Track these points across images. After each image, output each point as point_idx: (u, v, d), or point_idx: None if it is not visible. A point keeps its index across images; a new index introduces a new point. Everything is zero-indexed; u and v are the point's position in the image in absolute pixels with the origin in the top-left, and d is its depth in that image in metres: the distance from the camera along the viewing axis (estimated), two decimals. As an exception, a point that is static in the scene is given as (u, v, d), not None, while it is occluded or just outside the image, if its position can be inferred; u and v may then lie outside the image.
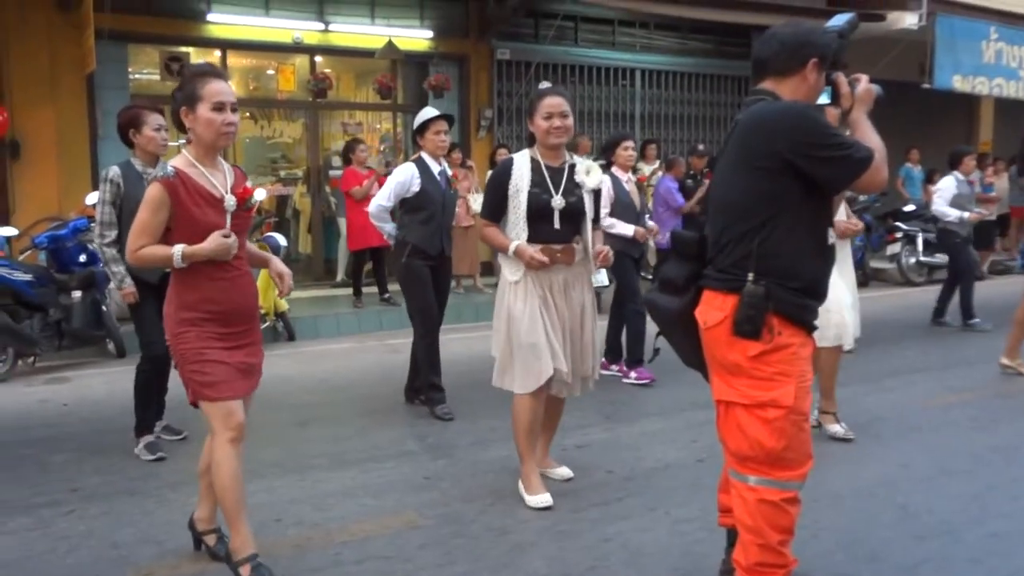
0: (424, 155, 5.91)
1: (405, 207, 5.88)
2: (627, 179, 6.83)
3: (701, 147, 11.23)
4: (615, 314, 7.02)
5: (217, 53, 10.76)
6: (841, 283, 4.96)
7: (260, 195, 10.09)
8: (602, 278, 9.26)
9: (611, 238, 6.60)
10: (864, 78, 2.91)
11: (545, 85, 4.45)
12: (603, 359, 6.86)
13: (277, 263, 3.51)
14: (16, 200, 9.39)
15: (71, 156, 9.61)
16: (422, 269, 5.82)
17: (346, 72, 12.39)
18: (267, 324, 8.40)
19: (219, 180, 3.25)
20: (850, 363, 5.39)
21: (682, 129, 13.80)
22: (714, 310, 2.83)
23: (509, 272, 4.22)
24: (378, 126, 12.74)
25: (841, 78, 2.89)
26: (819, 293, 2.84)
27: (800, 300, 2.77)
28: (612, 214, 6.63)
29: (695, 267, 2.98)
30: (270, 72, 12.03)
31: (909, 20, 12.42)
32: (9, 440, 5.42)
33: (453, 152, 10.15)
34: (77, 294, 7.36)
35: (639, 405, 6.19)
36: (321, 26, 10.99)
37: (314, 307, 9.70)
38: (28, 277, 7.15)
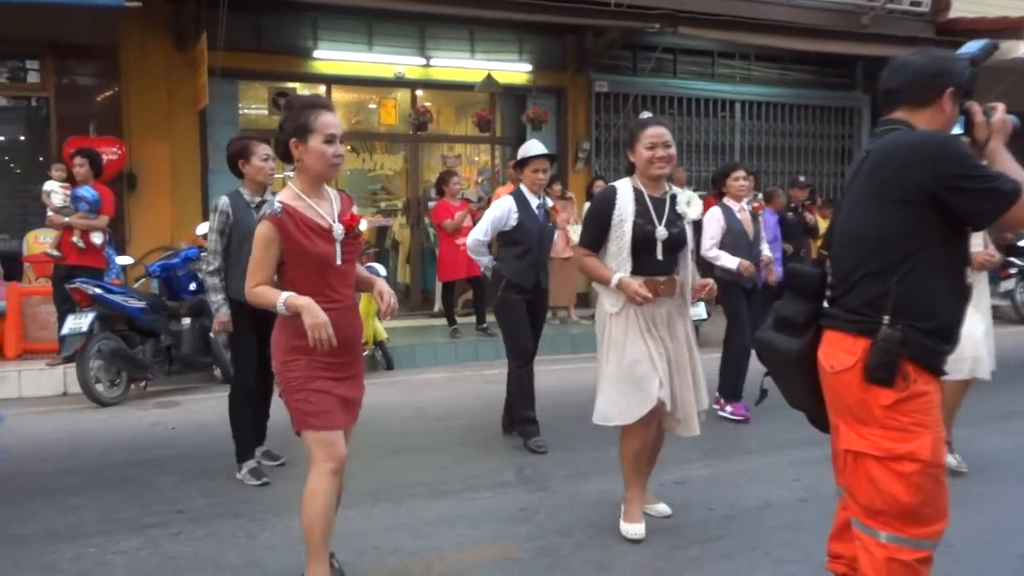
0: (523, 188, 5.94)
1: (502, 240, 5.91)
2: (739, 209, 6.69)
3: (802, 178, 11.01)
4: (728, 348, 6.81)
5: (322, 88, 11.08)
6: (976, 314, 4.77)
7: (361, 226, 10.35)
8: (700, 311, 9.17)
9: (721, 269, 6.52)
10: (1000, 107, 2.74)
11: (646, 115, 4.42)
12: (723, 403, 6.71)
13: (380, 283, 3.50)
14: (132, 230, 9.80)
15: (183, 188, 10.01)
16: (517, 302, 5.82)
17: (446, 105, 12.60)
18: (366, 353, 8.54)
19: (326, 209, 3.30)
20: (965, 403, 5.17)
21: (783, 161, 13.57)
22: (843, 353, 2.66)
23: (609, 303, 4.15)
24: (476, 158, 12.89)
25: (976, 107, 2.74)
26: (954, 337, 2.66)
27: (936, 345, 2.60)
28: (724, 245, 6.54)
29: (815, 305, 2.83)
30: (372, 106, 12.32)
31: (1022, 49, 11.99)
32: (122, 461, 5.61)
33: (554, 184, 10.22)
34: (187, 321, 7.62)
35: (738, 442, 6.05)
36: (423, 61, 11.22)
37: (412, 336, 9.82)
38: (142, 304, 7.44)
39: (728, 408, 6.66)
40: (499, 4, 10.03)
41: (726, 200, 6.68)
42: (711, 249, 6.55)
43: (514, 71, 11.67)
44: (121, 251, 9.13)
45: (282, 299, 3.18)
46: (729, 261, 6.45)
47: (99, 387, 7.17)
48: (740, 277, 6.50)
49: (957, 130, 2.76)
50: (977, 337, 4.89)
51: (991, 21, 12.47)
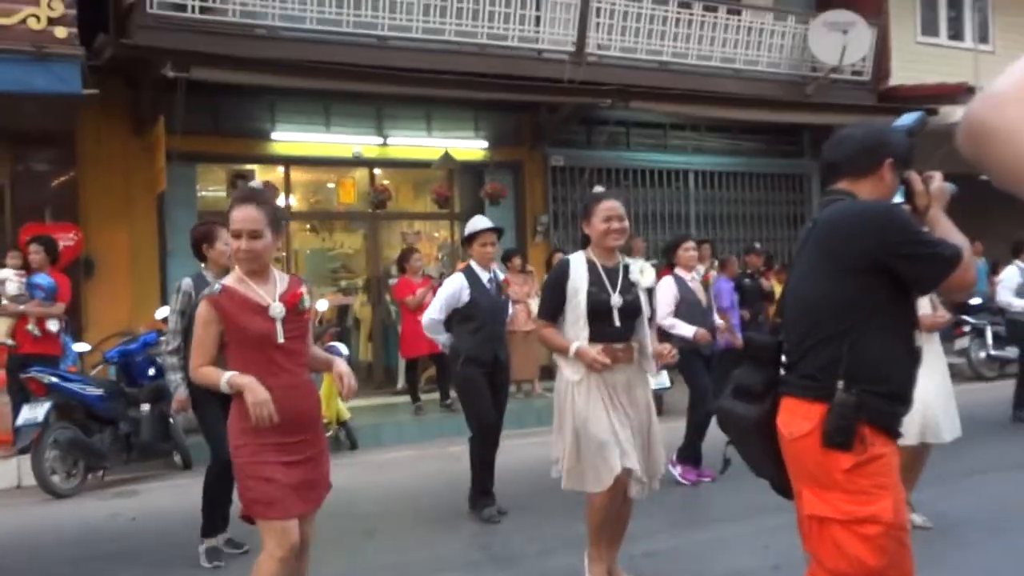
0: (473, 264, 6.01)
1: (457, 317, 5.97)
2: (691, 278, 6.87)
3: (757, 245, 11.22)
4: (692, 417, 6.89)
5: (280, 169, 11.15)
6: (924, 379, 4.84)
7: (322, 306, 10.32)
8: (663, 380, 9.21)
9: (678, 339, 6.61)
10: (938, 175, 2.86)
11: (599, 189, 4.54)
12: (675, 463, 6.77)
13: (339, 364, 3.51)
14: (89, 316, 9.69)
15: (142, 272, 9.94)
16: (477, 377, 5.85)
17: (404, 183, 12.72)
18: (330, 433, 8.43)
19: (267, 290, 3.35)
20: (930, 462, 5.23)
21: (737, 228, 13.82)
22: (800, 420, 2.70)
23: (570, 372, 4.22)
24: (436, 234, 12.98)
25: (915, 176, 2.84)
26: (907, 399, 2.73)
27: (891, 408, 2.66)
28: (679, 314, 6.67)
29: (772, 373, 2.88)
30: (331, 185, 12.41)
31: (960, 114, 12.41)
32: (79, 556, 5.46)
33: (513, 258, 10.31)
34: (146, 407, 7.51)
35: (706, 510, 6.05)
36: (380, 140, 11.36)
37: (376, 415, 9.74)
38: (99, 391, 7.33)
39: (677, 468, 6.73)
40: (454, 83, 10.23)
41: (677, 270, 6.86)
42: (666, 318, 6.65)
43: (471, 148, 11.84)
44: (78, 338, 9.01)
45: (225, 378, 3.22)
46: (685, 330, 6.58)
47: (55, 478, 7.01)
48: (697, 345, 6.61)
49: (899, 199, 2.86)
50: (928, 401, 4.96)
51: (929, 88, 12.94)
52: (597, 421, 4.10)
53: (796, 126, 13.49)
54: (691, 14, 11.88)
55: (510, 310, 6.20)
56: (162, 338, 5.24)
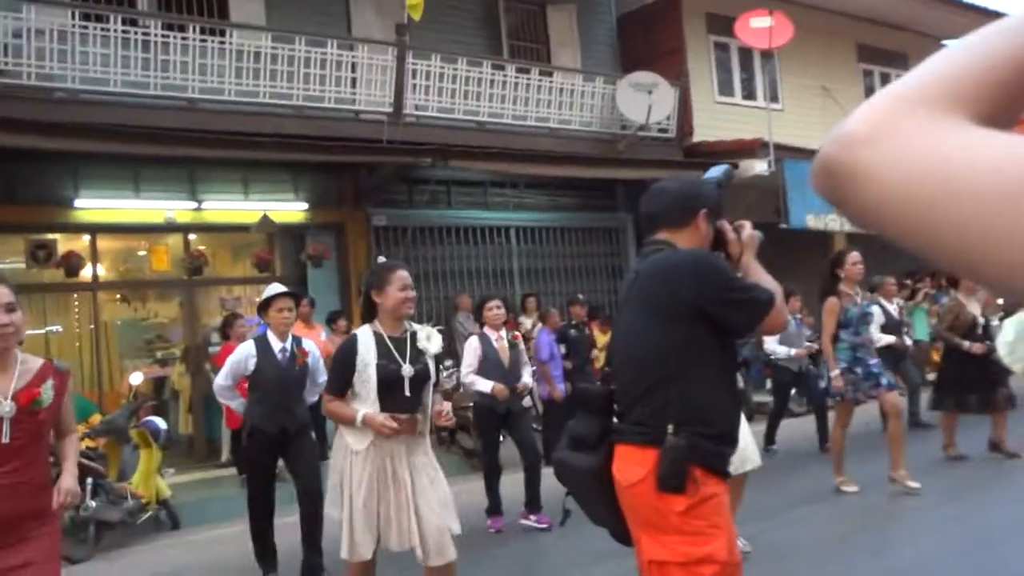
0: (268, 332, 5.89)
1: (249, 385, 5.90)
2: (496, 337, 7.11)
3: (581, 296, 11.50)
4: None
5: (86, 238, 10.56)
6: None
7: (136, 379, 9.79)
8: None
9: (477, 394, 7.04)
10: (747, 224, 3.03)
11: (382, 259, 4.66)
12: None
13: (64, 477, 3.31)
14: None
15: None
16: (262, 447, 5.80)
17: (222, 247, 12.31)
18: (149, 514, 7.94)
19: (1, 382, 3.14)
20: (757, 496, 5.46)
21: (560, 281, 14.13)
22: (634, 466, 2.76)
23: (354, 441, 4.28)
24: (257, 299, 12.54)
25: (726, 225, 3.00)
26: (733, 439, 2.84)
27: (719, 448, 2.76)
28: (481, 371, 6.94)
29: (605, 421, 2.94)
30: (142, 253, 11.84)
31: (759, 167, 13.29)
32: None
33: (338, 320, 10.13)
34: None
35: (546, 558, 6.06)
36: (194, 204, 10.96)
37: (200, 490, 9.26)
38: None
39: (488, 522, 6.98)
40: (271, 145, 10.01)
41: (485, 329, 7.11)
42: (468, 375, 7.04)
43: (290, 210, 11.60)
44: None
45: None
46: (483, 385, 6.89)
47: None
48: (494, 401, 6.88)
49: None
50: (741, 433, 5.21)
51: (729, 143, 13.80)
52: (368, 493, 4.21)
53: (610, 181, 14.01)
54: (505, 76, 12.21)
55: (320, 377, 5.97)
56: None
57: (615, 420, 2.95)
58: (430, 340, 4.45)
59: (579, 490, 3.07)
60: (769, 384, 11.88)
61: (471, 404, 9.59)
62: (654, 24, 14.84)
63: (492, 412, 6.96)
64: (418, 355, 4.38)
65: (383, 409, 4.23)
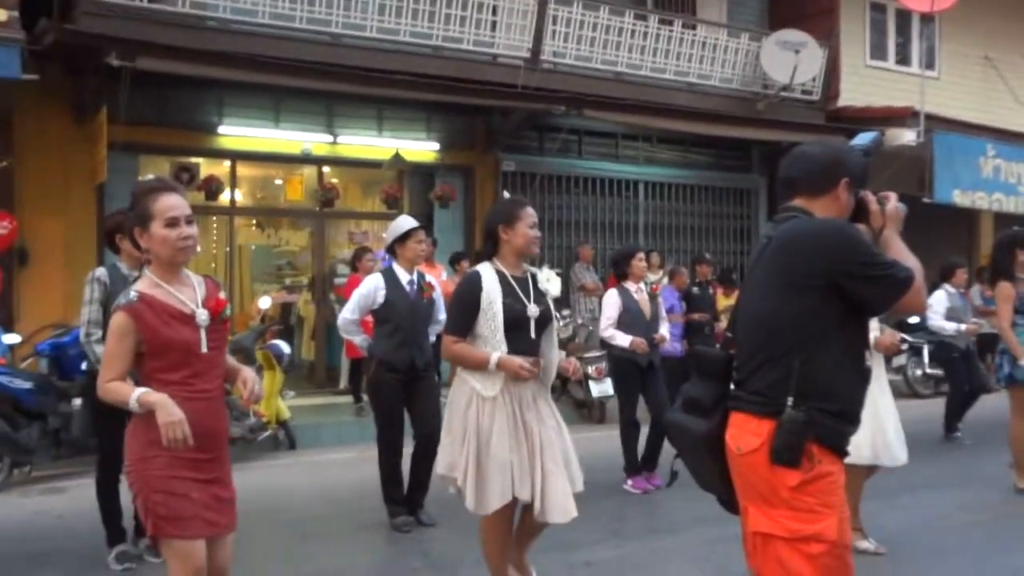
0: (395, 264, 5.85)
1: (375, 319, 5.83)
2: (637, 289, 6.94)
3: (707, 255, 11.27)
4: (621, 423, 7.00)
5: (227, 163, 10.94)
6: (875, 399, 4.84)
7: (265, 303, 10.16)
8: (607, 388, 9.24)
9: (616, 347, 6.82)
10: (893, 196, 2.86)
11: (506, 195, 4.46)
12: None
13: (244, 371, 3.26)
14: (21, 307, 9.39)
15: (78, 264, 9.62)
16: (389, 383, 5.68)
17: (353, 182, 12.57)
18: (268, 432, 8.28)
19: (187, 295, 3.09)
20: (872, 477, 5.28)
21: (685, 239, 13.91)
22: (749, 435, 2.68)
23: (483, 387, 4.02)
24: (384, 235, 12.81)
25: (870, 197, 2.84)
26: (856, 418, 2.72)
27: (840, 426, 2.65)
28: (621, 324, 6.76)
29: (722, 387, 2.84)
30: (278, 182, 12.21)
31: (908, 136, 12.67)
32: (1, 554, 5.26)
33: (462, 261, 10.23)
34: (77, 402, 7.24)
35: (649, 520, 6.03)
36: (330, 138, 11.20)
37: (317, 415, 9.60)
38: (28, 385, 7.07)
39: (628, 482, 6.80)
40: (407, 84, 10.12)
41: (627, 282, 6.91)
42: (607, 329, 6.82)
43: (422, 149, 11.74)
44: (9, 328, 8.71)
45: (135, 396, 2.92)
46: (622, 339, 6.68)
47: (-21, 472, 6.76)
48: (635, 355, 6.71)
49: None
50: (880, 422, 5.01)
51: (877, 110, 13.19)
52: (500, 442, 3.96)
53: (746, 141, 13.62)
54: (647, 27, 11.93)
55: (440, 315, 5.95)
56: (84, 327, 4.99)
57: (732, 386, 2.87)
58: (550, 281, 4.37)
59: (690, 453, 3.00)
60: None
61: (588, 356, 9.63)
62: (808, -20, 14.21)
63: (633, 366, 6.76)
64: (541, 296, 4.21)
65: (510, 351, 4.00)
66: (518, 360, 3.94)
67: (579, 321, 10.92)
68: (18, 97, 8.81)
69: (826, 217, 2.78)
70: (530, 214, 4.18)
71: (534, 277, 4.28)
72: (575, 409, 10.24)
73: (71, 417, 7.21)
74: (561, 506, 3.99)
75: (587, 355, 9.72)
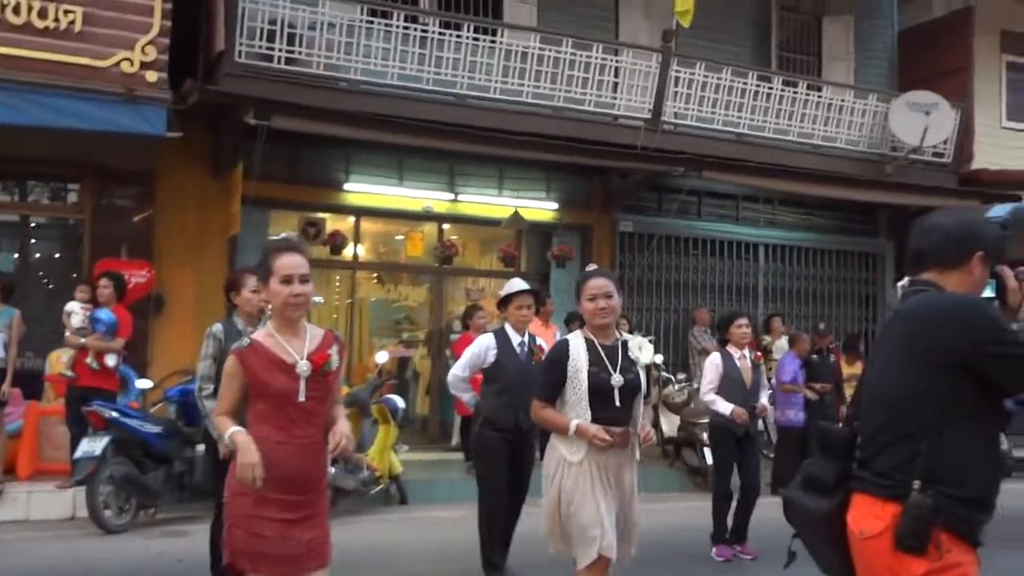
0: (507, 326, 5.92)
1: (484, 377, 5.92)
2: (740, 356, 6.88)
3: (822, 326, 10.87)
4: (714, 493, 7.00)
5: (351, 219, 11.29)
6: None
7: (382, 358, 10.31)
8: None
9: (715, 414, 6.79)
10: None
11: (592, 267, 4.56)
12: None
13: (339, 425, 3.43)
14: (155, 353, 9.83)
15: (209, 312, 10.00)
16: (493, 441, 5.74)
17: (472, 239, 12.76)
18: (381, 487, 8.37)
19: (295, 347, 3.34)
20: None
21: (806, 304, 13.53)
22: (872, 518, 2.56)
23: (568, 452, 4.14)
24: (500, 293, 12.92)
25: (1008, 272, 2.71)
26: (990, 506, 2.55)
27: (971, 514, 2.49)
28: (720, 391, 6.71)
29: (844, 466, 2.73)
30: (399, 237, 12.50)
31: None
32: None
33: (575, 322, 10.18)
34: (201, 447, 7.50)
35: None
36: (451, 196, 11.44)
37: (429, 471, 9.66)
38: (157, 429, 7.38)
39: (714, 550, 6.73)
40: (528, 145, 10.27)
41: (729, 347, 6.85)
42: (708, 394, 6.77)
43: (540, 208, 11.85)
44: (143, 373, 9.12)
45: (228, 433, 3.24)
46: (723, 407, 6.62)
47: (107, 513, 7.03)
48: (732, 423, 6.62)
49: (989, 293, 2.72)
50: None
51: (1014, 174, 12.61)
52: (583, 503, 4.05)
53: (873, 205, 13.24)
54: (770, 88, 11.80)
55: None
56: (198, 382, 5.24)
57: (855, 466, 2.75)
58: (641, 350, 4.31)
59: (808, 533, 2.89)
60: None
61: (703, 421, 9.42)
62: (939, 40, 13.80)
63: (730, 433, 6.72)
64: (629, 365, 4.24)
65: (594, 419, 4.10)
66: (594, 428, 4.04)
67: (694, 386, 10.71)
68: (161, 153, 9.33)
69: (957, 292, 2.66)
70: (591, 287, 4.22)
71: (624, 345, 4.30)
72: (689, 476, 10.00)
73: (195, 462, 7.47)
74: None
75: (703, 420, 9.50)
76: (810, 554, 2.90)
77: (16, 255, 10.16)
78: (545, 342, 6.44)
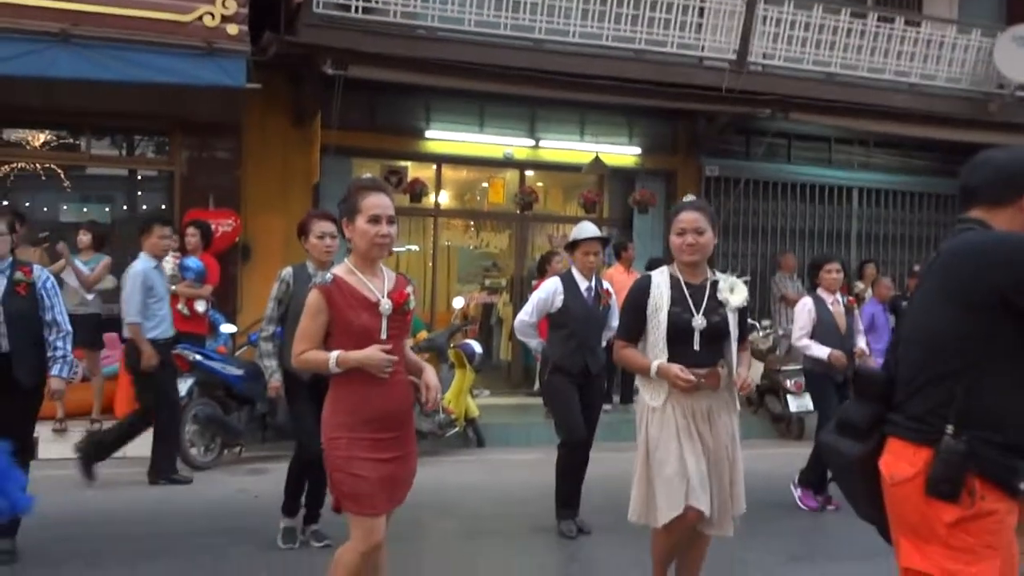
0: (574, 270, 5.86)
1: (551, 323, 5.87)
2: (832, 301, 6.64)
3: (917, 267, 10.53)
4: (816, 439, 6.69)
5: (433, 167, 11.35)
6: None
7: (458, 303, 10.43)
8: (806, 402, 8.84)
9: (812, 360, 6.54)
10: None
11: (689, 198, 4.25)
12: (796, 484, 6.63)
13: (428, 373, 3.49)
14: (244, 299, 10.14)
15: (294, 259, 10.04)
16: (563, 386, 5.68)
17: (554, 186, 12.71)
18: (457, 429, 8.50)
19: (376, 285, 3.36)
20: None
21: (902, 250, 13.06)
22: (903, 463, 2.47)
23: (650, 396, 3.95)
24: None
25: None
26: None
27: (1007, 460, 2.37)
28: (814, 336, 6.47)
29: (879, 409, 2.63)
30: (482, 185, 12.53)
31: None
32: (199, 529, 5.71)
33: (654, 268, 10.09)
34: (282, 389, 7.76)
35: (829, 544, 5.72)
36: (532, 142, 11.38)
37: (507, 415, 9.76)
38: (240, 372, 7.64)
39: (798, 491, 6.55)
40: (610, 89, 10.11)
41: (819, 291, 6.65)
42: (801, 339, 6.51)
43: (623, 153, 11.70)
44: (233, 319, 9.42)
45: (334, 357, 3.24)
46: (819, 351, 6.36)
47: (193, 451, 7.35)
48: (830, 368, 6.36)
49: None
50: None
51: None
52: (667, 452, 3.83)
53: (975, 145, 12.50)
54: (864, 24, 11.28)
55: (614, 321, 5.82)
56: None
57: (891, 409, 2.66)
58: (733, 291, 4.00)
59: (842, 478, 2.84)
60: None
61: (787, 368, 9.25)
62: (1053, -31, 12.96)
63: (828, 380, 6.47)
64: (716, 307, 3.96)
65: (671, 361, 3.85)
66: (675, 369, 3.81)
67: (779, 332, 10.51)
68: (246, 105, 9.52)
69: (1004, 230, 2.53)
70: (681, 220, 3.98)
71: (714, 285, 4.03)
72: (772, 424, 9.86)
73: (276, 403, 7.71)
74: (722, 524, 3.92)
75: (786, 367, 9.34)
76: (846, 498, 2.86)
77: (107, 207, 10.56)
78: (614, 287, 6.39)
